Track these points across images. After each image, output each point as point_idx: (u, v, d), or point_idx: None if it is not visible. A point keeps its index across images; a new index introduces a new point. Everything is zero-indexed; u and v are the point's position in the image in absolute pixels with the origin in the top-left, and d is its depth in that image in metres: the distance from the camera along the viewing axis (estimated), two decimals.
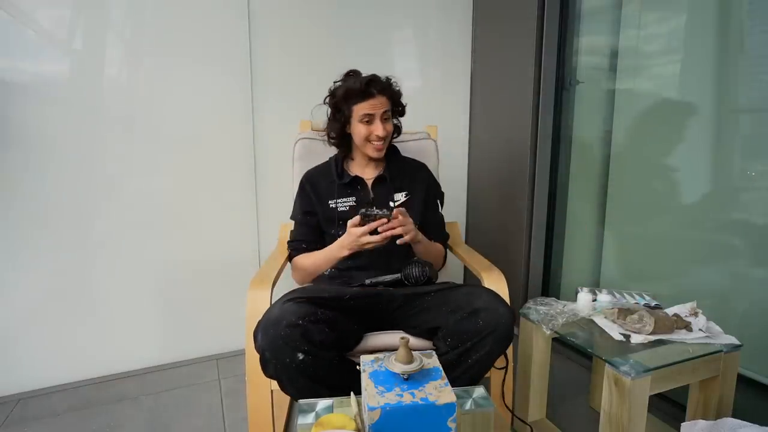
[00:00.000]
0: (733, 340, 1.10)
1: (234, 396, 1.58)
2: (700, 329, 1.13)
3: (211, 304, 1.83)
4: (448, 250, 1.63)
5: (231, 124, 1.78)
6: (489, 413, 0.85)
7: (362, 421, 0.79)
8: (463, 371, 1.06)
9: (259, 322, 1.03)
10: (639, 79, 1.69)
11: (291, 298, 1.05)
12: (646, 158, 1.66)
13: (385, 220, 1.11)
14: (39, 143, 1.53)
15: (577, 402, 1.53)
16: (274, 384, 1.13)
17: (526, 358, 1.31)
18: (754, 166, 1.35)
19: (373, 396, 0.75)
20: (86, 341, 1.67)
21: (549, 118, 1.86)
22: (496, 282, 1.24)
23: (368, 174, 1.37)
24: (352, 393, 0.87)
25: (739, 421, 0.97)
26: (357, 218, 1.14)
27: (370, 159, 1.35)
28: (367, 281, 1.21)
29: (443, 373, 0.82)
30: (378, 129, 1.28)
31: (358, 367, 0.85)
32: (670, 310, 1.20)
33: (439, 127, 1.75)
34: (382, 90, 1.28)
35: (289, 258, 1.38)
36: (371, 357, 0.87)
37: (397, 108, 1.37)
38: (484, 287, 1.17)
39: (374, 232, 1.13)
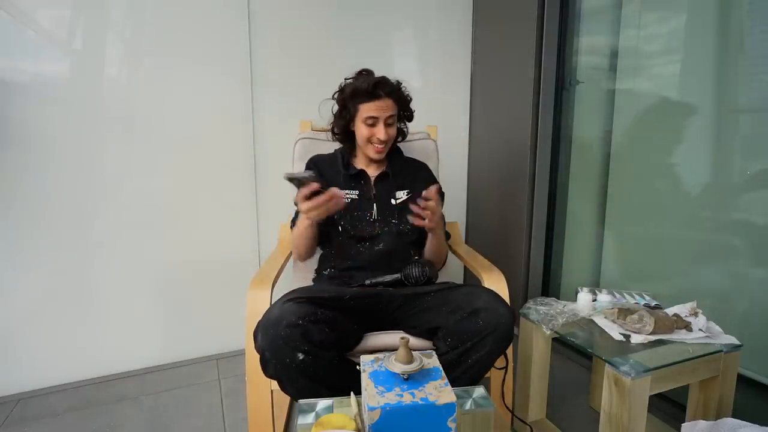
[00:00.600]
0: (733, 340, 1.10)
1: (234, 396, 1.58)
2: (700, 329, 1.13)
3: (211, 304, 1.83)
4: (448, 249, 1.63)
5: (231, 124, 1.78)
6: (489, 413, 0.85)
7: (362, 421, 0.79)
8: (463, 371, 1.06)
9: (259, 322, 1.02)
10: (639, 79, 1.69)
11: (291, 298, 1.05)
12: (646, 158, 1.66)
13: (316, 185, 1.06)
14: (39, 143, 1.53)
15: (577, 402, 1.53)
16: (274, 384, 1.13)
17: (526, 358, 1.31)
18: (754, 165, 1.36)
19: (373, 396, 0.75)
20: (86, 341, 1.67)
21: (549, 118, 1.87)
22: (496, 282, 1.24)
23: (371, 171, 1.38)
24: (352, 393, 0.87)
25: (739, 421, 0.97)
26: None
27: (372, 159, 1.35)
28: (367, 281, 1.21)
29: (443, 373, 0.82)
30: (380, 132, 1.27)
31: (358, 367, 0.85)
32: (670, 310, 1.20)
33: (439, 127, 1.76)
34: (390, 93, 1.27)
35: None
36: (371, 357, 0.87)
37: (403, 113, 1.37)
38: (484, 287, 1.17)
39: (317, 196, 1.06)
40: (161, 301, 1.76)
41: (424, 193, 1.12)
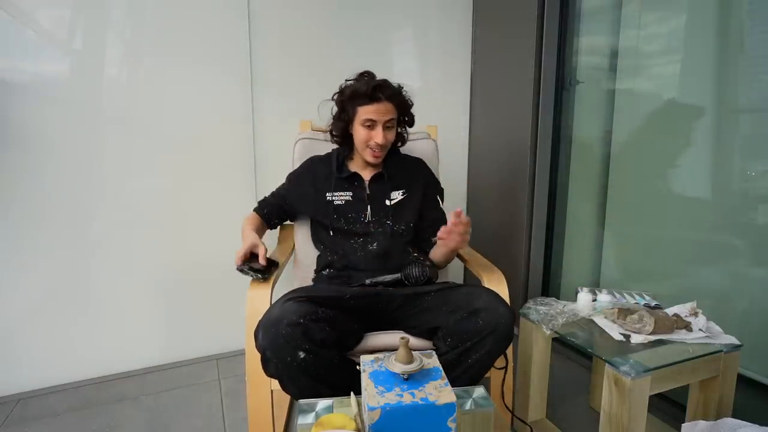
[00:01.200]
0: (733, 340, 1.10)
1: (234, 396, 1.58)
2: (700, 329, 1.13)
3: (211, 304, 1.83)
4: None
5: (231, 124, 1.78)
6: (489, 413, 0.85)
7: (362, 421, 0.79)
8: (463, 371, 1.06)
9: (259, 321, 1.02)
10: (639, 79, 1.69)
11: (291, 297, 1.05)
12: (646, 158, 1.66)
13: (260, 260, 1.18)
14: (38, 143, 1.53)
15: (577, 402, 1.53)
16: (275, 384, 1.13)
17: (526, 358, 1.31)
18: (754, 166, 1.36)
19: (373, 396, 0.75)
20: (86, 341, 1.67)
21: (549, 118, 1.86)
22: (496, 282, 1.24)
23: (366, 173, 1.37)
24: (352, 393, 0.87)
25: (739, 421, 0.97)
26: (247, 252, 1.20)
27: (368, 163, 1.35)
28: (368, 281, 1.21)
29: (443, 373, 0.82)
30: (378, 136, 1.26)
31: (357, 367, 0.85)
32: (670, 310, 1.20)
33: (439, 128, 1.76)
34: (390, 97, 1.26)
35: (254, 209, 1.44)
36: (371, 357, 0.87)
37: (403, 118, 1.35)
38: (484, 287, 1.17)
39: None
40: (161, 301, 1.76)
41: (453, 214, 1.09)
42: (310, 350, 0.97)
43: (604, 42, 1.81)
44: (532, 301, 1.32)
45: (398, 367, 0.79)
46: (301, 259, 1.52)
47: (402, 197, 1.35)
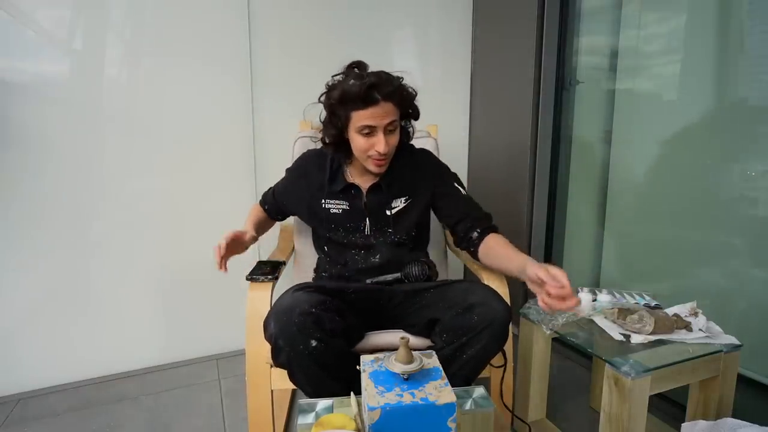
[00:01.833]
0: (733, 340, 1.10)
1: (234, 396, 1.58)
2: (700, 329, 1.13)
3: (211, 304, 1.83)
4: (448, 249, 1.62)
5: (231, 124, 1.78)
6: (489, 413, 0.85)
7: (362, 421, 0.79)
8: (459, 367, 1.05)
9: (270, 310, 1.02)
10: (639, 79, 1.69)
11: (300, 287, 1.06)
12: (645, 158, 1.66)
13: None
14: (38, 143, 1.53)
15: (577, 402, 1.53)
16: (275, 384, 1.13)
17: (526, 358, 1.31)
18: (754, 166, 1.35)
19: (373, 396, 0.75)
20: (86, 341, 1.67)
21: (549, 118, 1.86)
22: (496, 281, 1.24)
23: (365, 181, 1.24)
24: (352, 393, 0.87)
25: (739, 421, 0.97)
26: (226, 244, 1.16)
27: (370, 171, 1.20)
28: (368, 281, 1.21)
29: (443, 373, 0.82)
30: (380, 144, 1.09)
31: (358, 367, 0.85)
32: (670, 310, 1.20)
33: (439, 127, 1.75)
34: (389, 95, 1.08)
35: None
36: (371, 357, 0.87)
37: (407, 112, 1.19)
38: (481, 283, 1.16)
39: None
40: (161, 301, 1.76)
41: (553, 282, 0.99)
42: (322, 339, 0.97)
43: (604, 42, 1.81)
44: (533, 300, 1.32)
45: (398, 367, 0.79)
46: (301, 260, 1.52)
47: (405, 204, 1.24)
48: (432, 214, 1.32)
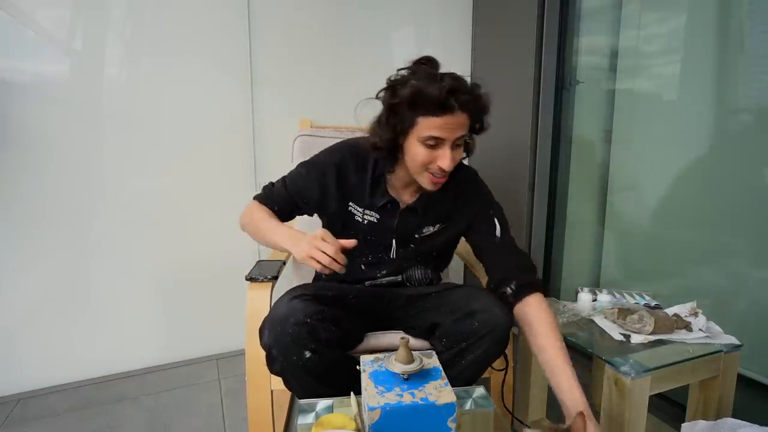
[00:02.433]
0: (733, 340, 1.10)
1: (234, 396, 1.58)
2: (700, 329, 1.13)
3: (211, 304, 1.83)
4: None
5: (231, 123, 1.78)
6: (489, 413, 0.85)
7: (362, 421, 0.79)
8: (458, 372, 1.04)
9: (264, 318, 1.01)
10: (639, 79, 1.69)
11: (297, 295, 1.03)
12: (646, 158, 1.66)
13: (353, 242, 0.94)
14: (38, 143, 1.53)
15: None
16: (275, 384, 1.13)
17: (526, 358, 1.31)
18: (754, 165, 1.35)
19: (373, 396, 0.75)
20: (86, 341, 1.67)
21: (549, 118, 1.86)
22: None
23: (404, 196, 1.12)
24: (352, 393, 0.87)
25: (740, 421, 0.97)
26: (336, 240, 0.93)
27: (423, 188, 1.05)
28: (368, 283, 1.21)
29: (443, 373, 0.82)
30: (445, 159, 0.96)
31: (358, 367, 0.85)
32: (670, 310, 1.20)
33: None
34: (466, 105, 0.95)
35: (255, 197, 1.16)
36: (371, 357, 0.87)
37: (474, 126, 1.05)
38: (483, 289, 1.16)
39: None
40: (161, 301, 1.76)
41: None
42: (316, 350, 0.96)
43: (604, 42, 1.81)
44: None
45: (398, 367, 0.79)
46: None
47: (436, 229, 1.14)
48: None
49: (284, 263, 1.31)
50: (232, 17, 1.72)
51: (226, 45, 1.73)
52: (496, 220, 1.12)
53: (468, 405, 0.86)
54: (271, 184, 1.18)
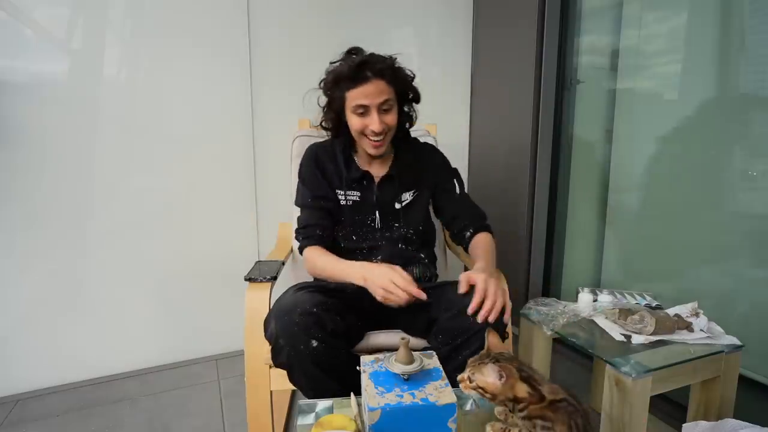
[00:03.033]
0: (734, 340, 1.10)
1: (233, 396, 1.58)
2: (701, 330, 1.13)
3: (211, 304, 1.83)
4: (448, 249, 1.62)
5: (231, 123, 1.78)
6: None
7: (362, 421, 0.79)
8: (454, 369, 1.04)
9: (270, 310, 1.02)
10: (640, 79, 1.69)
11: (301, 287, 1.05)
12: (646, 158, 1.66)
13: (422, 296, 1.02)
14: (37, 143, 1.53)
15: None
16: (274, 384, 1.13)
17: (526, 358, 1.31)
18: (755, 165, 1.35)
19: (373, 396, 0.75)
20: (85, 341, 1.67)
21: (549, 118, 1.86)
22: None
23: (375, 170, 1.24)
24: (352, 393, 0.87)
25: (741, 422, 0.97)
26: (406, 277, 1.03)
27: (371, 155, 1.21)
28: None
29: (443, 373, 0.82)
30: (374, 123, 1.10)
31: (358, 368, 0.85)
32: (671, 311, 1.20)
33: (439, 127, 1.75)
34: (380, 73, 1.09)
35: (300, 249, 1.24)
36: (371, 357, 0.87)
37: (406, 94, 1.19)
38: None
39: None
40: (161, 302, 1.76)
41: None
42: (323, 339, 0.97)
43: (604, 41, 1.80)
44: (533, 301, 1.32)
45: (398, 368, 0.78)
46: (300, 260, 1.51)
47: (412, 198, 1.25)
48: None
49: (283, 263, 1.31)
50: (231, 17, 1.72)
51: (226, 44, 1.73)
52: (455, 181, 1.30)
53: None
54: (298, 223, 1.25)
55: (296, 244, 1.30)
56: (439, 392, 0.76)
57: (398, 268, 1.04)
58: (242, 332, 1.14)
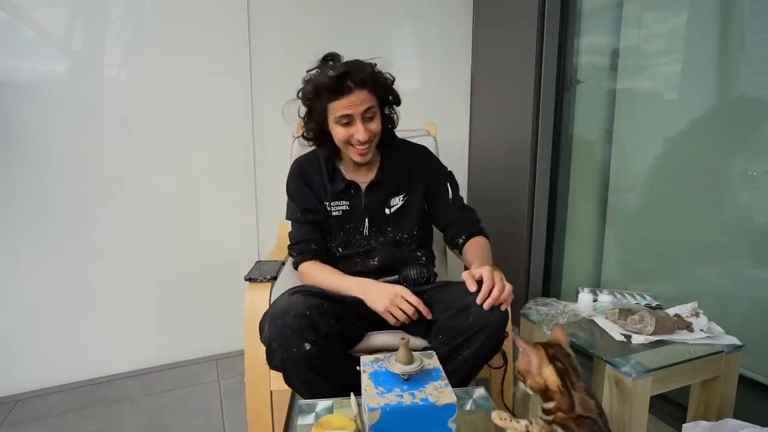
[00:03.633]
0: (734, 340, 1.10)
1: (234, 396, 1.58)
2: (701, 330, 1.12)
3: (211, 304, 1.83)
4: (447, 249, 1.62)
5: (231, 124, 1.78)
6: (489, 414, 0.85)
7: (362, 421, 0.79)
8: (454, 369, 1.04)
9: (265, 313, 1.02)
10: (640, 79, 1.69)
11: (298, 290, 1.05)
12: (647, 158, 1.66)
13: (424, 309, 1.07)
14: (37, 143, 1.53)
15: None
16: (274, 384, 1.13)
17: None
18: (755, 165, 1.35)
19: (373, 397, 0.75)
20: (86, 341, 1.67)
21: (549, 118, 1.86)
22: None
23: (361, 177, 1.23)
24: (352, 393, 0.87)
25: (741, 422, 0.97)
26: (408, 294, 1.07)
27: (357, 163, 1.19)
28: None
29: (443, 373, 0.82)
30: (359, 132, 1.09)
31: (358, 367, 0.85)
32: (671, 311, 1.20)
33: (439, 128, 1.75)
34: (361, 82, 1.08)
35: (295, 264, 1.24)
36: (371, 357, 0.87)
37: (386, 99, 1.18)
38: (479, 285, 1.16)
39: None
40: (161, 301, 1.76)
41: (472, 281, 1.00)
42: (316, 342, 0.96)
43: (604, 41, 1.80)
44: (533, 301, 1.32)
45: (398, 368, 0.78)
46: None
47: (402, 202, 1.24)
48: None
49: (283, 263, 1.31)
50: (231, 17, 1.72)
51: (226, 45, 1.73)
52: (448, 185, 1.28)
53: (468, 405, 0.86)
54: (290, 238, 1.26)
55: (290, 260, 1.30)
56: (439, 392, 0.76)
57: (408, 294, 1.07)
58: (242, 332, 1.14)
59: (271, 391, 1.14)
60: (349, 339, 1.10)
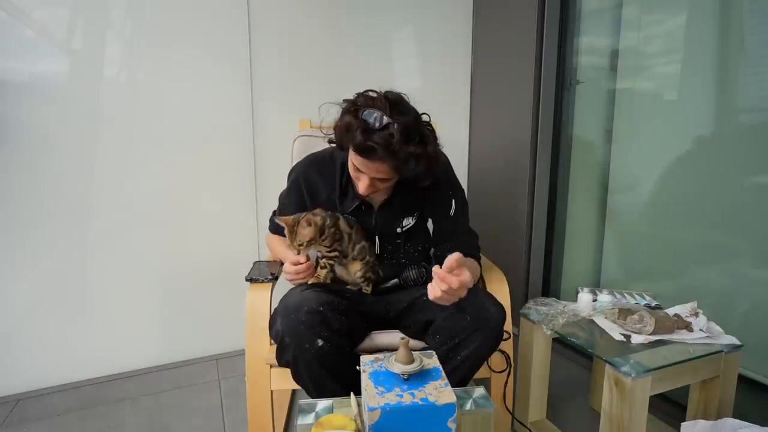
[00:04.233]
0: (733, 340, 1.10)
1: (234, 396, 1.58)
2: (700, 329, 1.13)
3: (211, 304, 1.83)
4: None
5: (231, 123, 1.78)
6: (489, 413, 0.85)
7: (362, 421, 0.79)
8: (453, 369, 1.04)
9: (276, 308, 1.02)
10: (639, 79, 1.69)
11: (308, 286, 1.05)
12: (646, 158, 1.66)
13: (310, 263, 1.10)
14: (37, 143, 1.53)
15: (577, 402, 1.52)
16: (275, 384, 1.13)
17: (526, 358, 1.31)
18: (755, 165, 1.35)
19: (373, 396, 0.75)
20: (86, 341, 1.67)
21: (549, 118, 1.86)
22: (496, 282, 1.24)
23: (376, 195, 1.15)
24: (351, 393, 0.87)
25: (740, 421, 0.97)
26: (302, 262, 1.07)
27: None
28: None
29: (443, 373, 0.82)
30: (362, 186, 1.05)
31: (358, 367, 0.85)
32: (671, 311, 1.20)
33: (439, 128, 1.74)
34: (386, 158, 0.97)
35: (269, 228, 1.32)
36: (371, 357, 0.87)
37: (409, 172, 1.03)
38: (475, 285, 1.15)
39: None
40: (161, 301, 1.76)
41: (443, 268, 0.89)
42: (329, 338, 0.97)
43: (604, 42, 1.81)
44: (533, 301, 1.32)
45: (398, 368, 0.79)
46: None
47: (414, 221, 1.20)
48: None
49: (283, 264, 1.31)
50: (232, 17, 1.72)
51: (226, 45, 1.73)
52: (453, 201, 1.20)
53: (468, 405, 0.86)
54: (273, 213, 1.28)
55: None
56: (438, 392, 0.76)
57: (286, 265, 1.10)
58: (242, 332, 1.14)
59: (271, 391, 1.14)
60: (355, 337, 1.10)
